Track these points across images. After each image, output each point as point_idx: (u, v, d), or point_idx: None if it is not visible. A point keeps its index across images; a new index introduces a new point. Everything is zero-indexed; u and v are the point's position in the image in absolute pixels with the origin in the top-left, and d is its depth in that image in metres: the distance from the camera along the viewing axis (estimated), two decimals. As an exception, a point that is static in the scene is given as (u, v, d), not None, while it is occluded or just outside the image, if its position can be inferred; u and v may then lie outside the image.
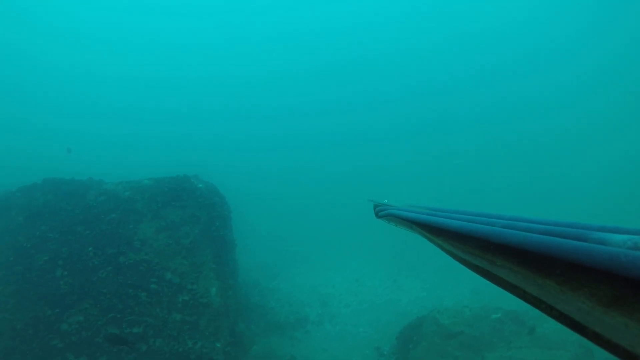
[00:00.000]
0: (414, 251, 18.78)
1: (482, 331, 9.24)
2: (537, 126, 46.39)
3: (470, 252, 1.04)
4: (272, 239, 20.97)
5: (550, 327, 9.19)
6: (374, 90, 55.97)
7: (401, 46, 55.05)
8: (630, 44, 41.83)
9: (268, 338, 11.18)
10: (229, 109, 56.51)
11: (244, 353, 9.71)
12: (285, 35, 57.11)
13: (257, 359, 9.87)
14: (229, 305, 9.63)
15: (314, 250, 19.95)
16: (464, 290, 15.01)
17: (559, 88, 47.75)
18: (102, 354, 7.42)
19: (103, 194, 9.11)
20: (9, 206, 8.61)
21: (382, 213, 2.06)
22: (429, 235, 1.33)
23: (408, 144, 51.62)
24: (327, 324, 12.98)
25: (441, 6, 51.46)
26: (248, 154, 50.25)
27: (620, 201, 29.97)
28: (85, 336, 7.50)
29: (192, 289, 9.13)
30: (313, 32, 56.96)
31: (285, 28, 56.74)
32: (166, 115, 53.74)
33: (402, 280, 16.40)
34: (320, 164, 48.23)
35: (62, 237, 8.47)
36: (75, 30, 52.06)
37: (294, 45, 57.64)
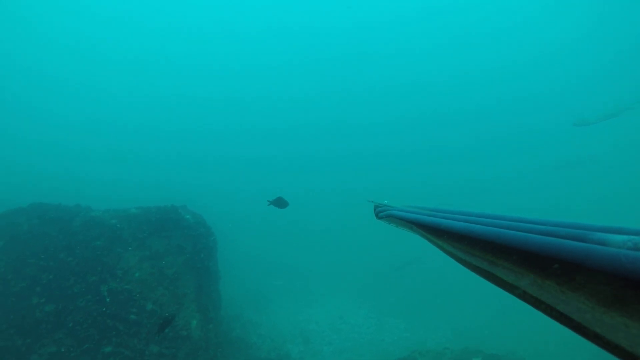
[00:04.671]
0: (399, 289, 18.75)
1: (463, 375, 9.18)
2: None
3: (470, 252, 1.04)
4: (257, 269, 20.73)
5: (530, 372, 9.20)
6: (370, 117, 57.00)
7: (405, 75, 56.31)
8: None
9: (247, 375, 10.90)
10: (227, 129, 56.74)
11: (221, 390, 9.44)
12: (279, 59, 58.16)
13: (234, 397, 9.59)
14: (209, 338, 9.44)
15: (299, 283, 19.74)
16: (447, 332, 14.90)
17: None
18: (73, 388, 7.19)
19: (89, 221, 9.11)
20: (-9, 230, 8.54)
21: (382, 214, 2.02)
22: (429, 236, 1.31)
23: (400, 168, 52.03)
24: (308, 362, 12.71)
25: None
26: (236, 175, 50.10)
27: (620, 201, 30.18)
28: (57, 368, 7.29)
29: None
30: (307, 64, 58.37)
31: (279, 56, 57.85)
32: (158, 135, 53.75)
33: (386, 319, 16.22)
34: (311, 188, 48.16)
35: (43, 263, 8.37)
36: (69, 48, 52.74)
37: (288, 66, 58.43)
